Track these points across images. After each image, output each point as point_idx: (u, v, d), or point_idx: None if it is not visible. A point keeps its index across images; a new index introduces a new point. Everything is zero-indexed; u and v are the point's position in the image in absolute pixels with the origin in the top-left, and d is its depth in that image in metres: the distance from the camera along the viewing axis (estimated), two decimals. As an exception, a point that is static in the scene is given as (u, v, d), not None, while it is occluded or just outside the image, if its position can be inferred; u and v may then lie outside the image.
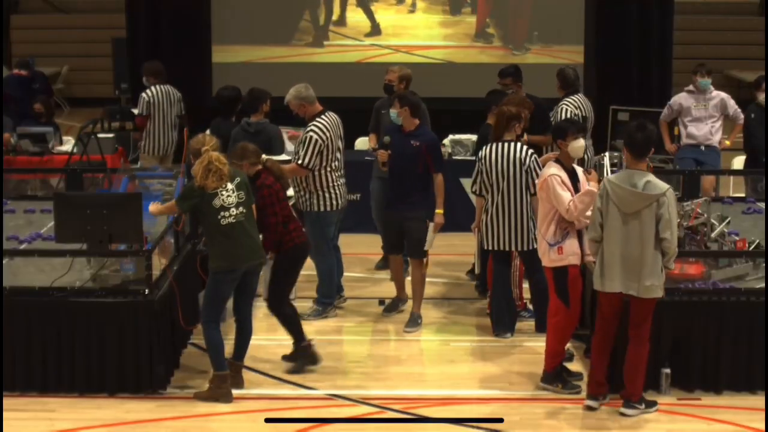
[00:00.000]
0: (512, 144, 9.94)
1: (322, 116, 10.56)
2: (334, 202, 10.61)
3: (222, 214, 8.76)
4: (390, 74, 11.74)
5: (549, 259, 9.02)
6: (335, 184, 10.61)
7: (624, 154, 8.74)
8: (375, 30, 16.22)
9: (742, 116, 13.29)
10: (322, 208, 10.58)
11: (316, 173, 10.51)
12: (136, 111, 14.03)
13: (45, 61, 20.32)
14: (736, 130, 13.61)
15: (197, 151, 8.84)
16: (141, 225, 9.02)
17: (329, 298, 10.87)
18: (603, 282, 8.55)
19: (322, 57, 16.04)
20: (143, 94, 13.78)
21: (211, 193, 8.72)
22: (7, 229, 10.27)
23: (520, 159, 9.86)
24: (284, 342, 10.03)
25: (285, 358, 9.65)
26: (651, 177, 8.51)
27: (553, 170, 9.03)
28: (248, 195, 8.94)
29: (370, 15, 16.25)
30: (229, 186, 8.80)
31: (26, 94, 15.62)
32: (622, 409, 8.66)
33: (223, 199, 8.77)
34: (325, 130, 10.47)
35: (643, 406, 8.68)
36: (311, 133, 10.44)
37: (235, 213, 8.81)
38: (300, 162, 10.43)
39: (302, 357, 9.55)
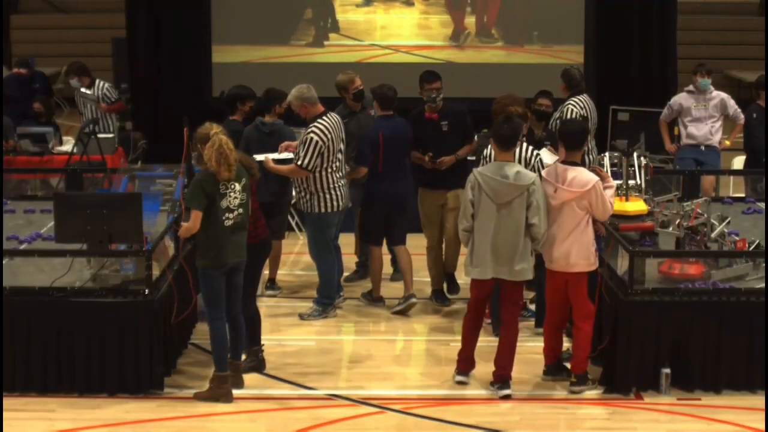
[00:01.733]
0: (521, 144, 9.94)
1: (324, 117, 10.56)
2: (335, 203, 10.61)
3: (226, 215, 8.76)
4: (354, 82, 11.54)
5: (589, 263, 8.98)
6: (336, 185, 10.60)
7: (492, 146, 9.17)
8: (340, 24, 16.23)
9: (742, 116, 13.29)
10: (323, 209, 10.58)
11: (317, 174, 10.51)
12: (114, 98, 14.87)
13: (45, 61, 20.33)
14: (736, 130, 13.62)
15: (205, 136, 8.76)
16: (141, 225, 9.02)
17: (329, 298, 10.87)
18: (476, 270, 8.97)
19: (322, 57, 16.03)
20: (108, 85, 14.89)
21: (221, 192, 8.71)
22: (7, 229, 10.28)
23: (525, 159, 9.84)
24: (285, 342, 10.04)
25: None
26: (519, 167, 8.99)
27: (593, 175, 8.97)
28: (248, 196, 8.94)
29: (337, 10, 16.24)
30: (237, 187, 8.78)
31: (26, 94, 15.61)
32: (502, 392, 9.02)
33: (229, 201, 8.76)
34: (326, 131, 10.47)
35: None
36: (312, 135, 10.43)
37: (235, 215, 8.81)
38: (300, 163, 10.43)
39: (251, 360, 9.47)
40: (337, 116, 10.74)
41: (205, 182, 8.68)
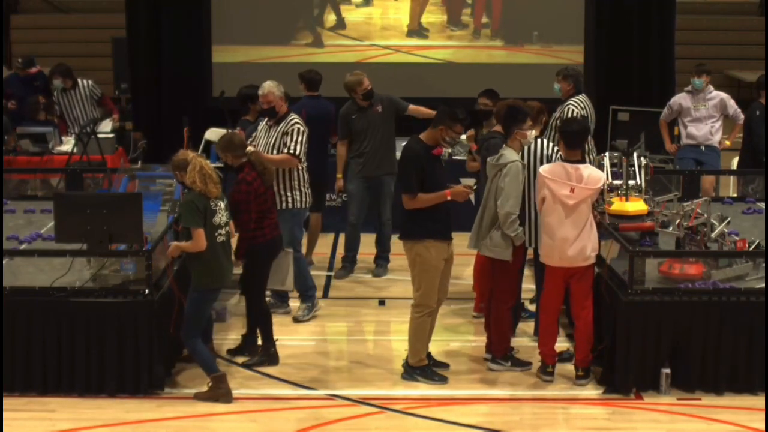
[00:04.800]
0: (539, 140, 9.94)
1: (293, 113, 10.62)
2: (307, 200, 10.68)
3: (219, 231, 8.89)
4: (363, 83, 11.68)
5: (596, 254, 9.18)
6: (307, 182, 10.68)
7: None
8: (339, 24, 16.26)
9: (742, 116, 13.30)
10: (298, 205, 10.58)
11: (299, 170, 10.51)
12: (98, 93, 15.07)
13: (45, 61, 20.28)
14: (736, 130, 13.61)
15: (183, 161, 8.87)
16: (141, 225, 9.02)
17: (312, 289, 10.88)
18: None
19: (322, 57, 16.02)
20: (92, 83, 14.98)
21: (212, 209, 8.79)
22: (7, 229, 10.28)
23: (547, 156, 9.83)
24: (284, 343, 10.03)
25: (231, 351, 9.86)
26: (507, 151, 9.31)
27: (598, 170, 9.32)
28: (230, 215, 9.08)
29: (336, 10, 16.26)
30: (222, 205, 8.91)
31: (29, 93, 15.59)
32: (490, 365, 9.52)
33: (219, 217, 8.88)
34: (304, 124, 10.54)
35: (509, 363, 9.48)
36: (298, 126, 10.43)
37: (224, 232, 8.96)
38: (292, 152, 10.39)
39: (262, 356, 9.62)
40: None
41: (198, 200, 8.78)
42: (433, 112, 9.92)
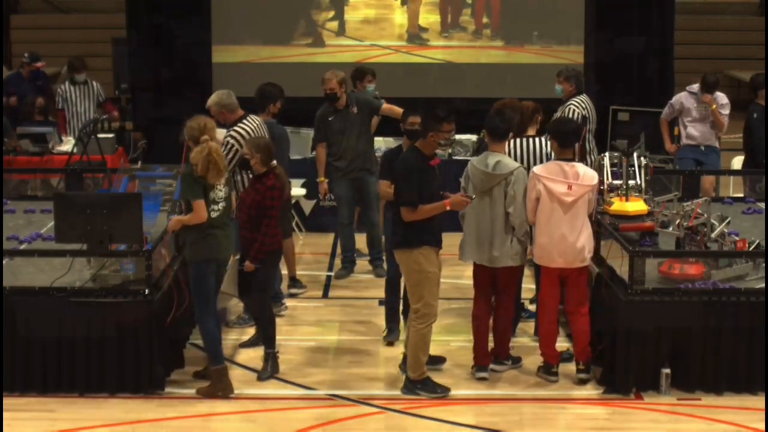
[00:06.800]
0: (538, 140, 9.91)
1: (243, 122, 10.38)
2: None
3: (213, 207, 8.86)
4: (328, 83, 11.58)
5: (592, 253, 9.22)
6: None
7: (486, 137, 9.41)
8: (340, 24, 16.27)
9: (725, 120, 13.06)
10: None
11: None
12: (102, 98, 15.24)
13: (45, 61, 20.33)
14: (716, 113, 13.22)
15: (197, 136, 8.84)
16: (141, 225, 9.02)
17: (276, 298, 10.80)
18: (462, 253, 9.32)
19: (322, 57, 16.04)
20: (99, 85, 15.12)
21: (210, 184, 8.80)
22: (7, 229, 10.28)
23: (547, 154, 9.81)
24: (286, 343, 10.03)
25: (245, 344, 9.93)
26: (502, 157, 9.16)
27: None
28: (231, 189, 9.06)
29: (337, 10, 16.28)
30: (222, 180, 8.90)
31: (30, 92, 15.60)
32: (492, 366, 9.37)
33: (216, 193, 8.87)
34: (245, 135, 10.21)
35: (510, 362, 9.47)
36: (229, 138, 10.23)
37: (220, 206, 8.92)
38: None
39: (272, 363, 9.47)
40: (258, 119, 10.58)
41: (194, 176, 8.76)
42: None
